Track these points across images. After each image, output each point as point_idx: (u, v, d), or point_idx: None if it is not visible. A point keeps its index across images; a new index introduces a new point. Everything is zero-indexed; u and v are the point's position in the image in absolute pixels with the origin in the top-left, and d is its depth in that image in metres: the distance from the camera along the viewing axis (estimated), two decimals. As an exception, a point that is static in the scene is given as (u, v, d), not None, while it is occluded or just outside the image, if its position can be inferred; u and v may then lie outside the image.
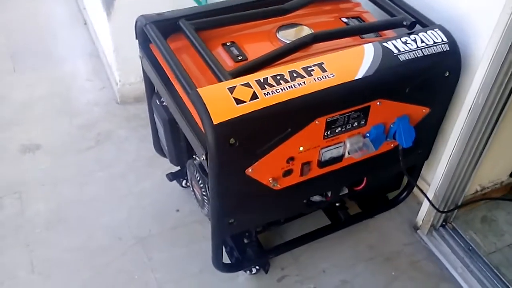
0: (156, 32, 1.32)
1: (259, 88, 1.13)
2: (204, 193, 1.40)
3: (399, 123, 1.35)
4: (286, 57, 1.26)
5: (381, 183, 1.64)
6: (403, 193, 1.72)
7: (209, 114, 1.08)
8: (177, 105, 1.29)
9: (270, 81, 1.15)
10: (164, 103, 1.51)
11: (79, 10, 2.80)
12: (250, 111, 1.10)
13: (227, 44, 1.35)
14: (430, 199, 1.61)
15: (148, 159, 1.98)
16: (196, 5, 1.61)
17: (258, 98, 1.12)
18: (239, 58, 1.30)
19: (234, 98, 1.11)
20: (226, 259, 1.55)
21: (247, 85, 1.14)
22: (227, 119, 1.09)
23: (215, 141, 1.09)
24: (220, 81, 1.18)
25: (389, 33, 1.45)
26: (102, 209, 1.79)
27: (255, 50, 1.34)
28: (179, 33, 1.37)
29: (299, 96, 1.14)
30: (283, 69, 1.19)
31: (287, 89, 1.14)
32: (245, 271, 1.59)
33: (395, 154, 1.42)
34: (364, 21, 1.49)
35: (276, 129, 1.17)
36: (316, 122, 1.21)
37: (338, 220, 1.65)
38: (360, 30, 1.38)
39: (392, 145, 1.42)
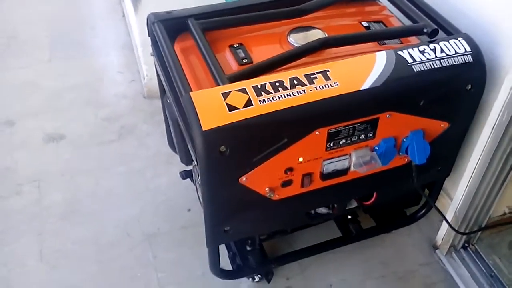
0: (162, 31, 1.29)
1: (255, 95, 1.08)
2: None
3: (412, 138, 1.26)
4: (292, 62, 1.20)
5: (396, 198, 1.54)
6: (421, 210, 1.61)
7: (198, 119, 1.04)
8: (177, 106, 1.26)
9: (268, 87, 1.09)
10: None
11: (118, 2, 2.84)
12: (242, 119, 1.05)
13: (234, 46, 1.30)
14: (451, 218, 1.50)
15: (167, 155, 1.97)
16: (211, 3, 1.56)
17: (252, 105, 1.06)
18: (244, 61, 1.25)
19: (227, 104, 1.06)
20: (228, 265, 1.52)
21: (243, 91, 1.09)
22: (217, 125, 1.04)
23: (204, 148, 1.05)
24: (218, 85, 1.13)
25: (413, 39, 1.35)
26: (116, 204, 1.80)
27: (262, 53, 1.28)
28: (188, 32, 1.34)
29: (296, 106, 1.08)
30: (284, 75, 1.13)
31: (285, 97, 1.08)
32: (248, 278, 1.55)
33: (409, 170, 1.33)
34: (386, 27, 1.40)
35: (271, 139, 1.11)
36: (317, 133, 1.14)
37: (349, 233, 1.57)
38: (376, 36, 1.30)
39: (406, 160, 1.33)
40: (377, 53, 1.19)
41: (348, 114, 1.15)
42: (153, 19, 1.33)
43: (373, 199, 1.40)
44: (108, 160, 1.96)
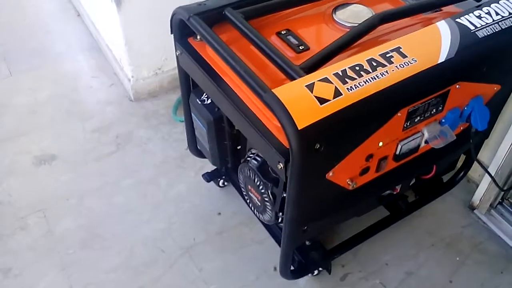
0: (203, 25, 1.16)
1: (340, 83, 1.00)
2: (266, 199, 1.27)
3: (473, 105, 1.24)
4: (355, 42, 1.13)
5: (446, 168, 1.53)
6: (459, 174, 1.62)
7: (292, 118, 0.94)
8: (236, 107, 1.14)
9: (350, 73, 1.02)
10: (206, 102, 1.37)
11: (68, 0, 2.58)
12: (335, 111, 0.97)
13: (282, 32, 1.20)
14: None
15: (176, 159, 1.84)
16: None
17: (342, 94, 0.98)
18: (301, 48, 1.16)
19: (315, 97, 0.97)
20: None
21: (326, 80, 1.00)
22: (312, 122, 0.95)
23: (300, 148, 0.96)
24: (292, 77, 1.04)
25: (449, 9, 1.31)
26: (137, 221, 1.65)
27: (314, 36, 1.21)
28: (222, 23, 1.22)
29: (385, 88, 1.01)
30: (359, 58, 1.05)
31: (370, 80, 1.01)
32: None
33: (463, 136, 1.32)
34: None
35: (362, 127, 1.04)
36: (399, 114, 1.09)
37: (398, 210, 1.55)
38: (428, 6, 1.25)
39: (461, 128, 1.32)
40: (437, 23, 1.15)
41: (428, 89, 1.10)
42: (186, 14, 1.19)
43: (433, 172, 1.38)
44: (113, 175, 1.79)
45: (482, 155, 1.63)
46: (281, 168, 1.04)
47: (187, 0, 1.73)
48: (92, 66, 2.23)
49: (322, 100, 0.97)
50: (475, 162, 1.60)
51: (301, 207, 1.12)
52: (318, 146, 0.98)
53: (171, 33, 1.29)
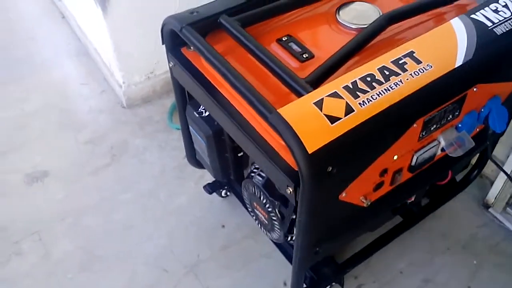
0: (197, 36, 1.06)
1: (351, 97, 0.91)
2: (274, 218, 1.19)
3: (491, 106, 1.15)
4: (364, 47, 1.04)
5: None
6: (473, 172, 1.54)
7: (301, 141, 0.85)
8: (237, 123, 1.05)
9: (361, 85, 0.93)
10: (203, 115, 1.27)
11: (51, 1, 2.45)
12: (348, 129, 0.88)
13: (283, 39, 1.10)
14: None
15: (175, 169, 1.75)
16: None
17: (354, 111, 0.89)
18: (304, 56, 1.06)
19: (325, 115, 0.88)
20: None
21: (336, 95, 0.91)
22: (323, 144, 0.86)
23: (312, 173, 0.87)
24: (297, 92, 0.95)
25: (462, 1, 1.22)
26: (138, 238, 1.57)
27: (318, 42, 1.11)
28: (217, 32, 1.13)
29: (400, 100, 0.92)
30: (370, 66, 0.96)
31: (384, 92, 0.92)
32: (319, 288, 1.41)
33: (480, 138, 1.24)
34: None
35: (376, 143, 0.96)
36: (415, 125, 1.00)
37: (412, 215, 1.47)
38: (439, 2, 1.15)
39: (478, 130, 1.23)
40: (452, 21, 1.05)
41: (446, 96, 1.01)
42: (178, 25, 1.09)
43: (449, 177, 1.30)
44: (109, 189, 1.70)
45: (496, 151, 1.54)
46: (290, 192, 0.96)
47: (175, 2, 1.63)
48: (81, 73, 2.12)
49: (333, 119, 0.88)
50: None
51: (313, 231, 1.04)
52: (331, 169, 0.89)
53: (163, 44, 1.20)
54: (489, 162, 1.53)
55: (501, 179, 1.53)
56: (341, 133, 0.87)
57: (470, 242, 1.55)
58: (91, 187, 1.70)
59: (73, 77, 2.11)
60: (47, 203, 1.66)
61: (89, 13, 1.81)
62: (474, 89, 1.07)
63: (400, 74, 0.95)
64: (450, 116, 1.09)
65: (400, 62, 0.97)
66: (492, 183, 1.59)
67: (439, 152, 1.15)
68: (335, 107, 0.89)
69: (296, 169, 0.89)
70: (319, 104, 0.89)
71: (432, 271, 1.48)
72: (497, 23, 1.05)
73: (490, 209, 1.60)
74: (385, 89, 0.93)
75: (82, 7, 1.92)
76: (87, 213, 1.63)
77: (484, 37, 1.03)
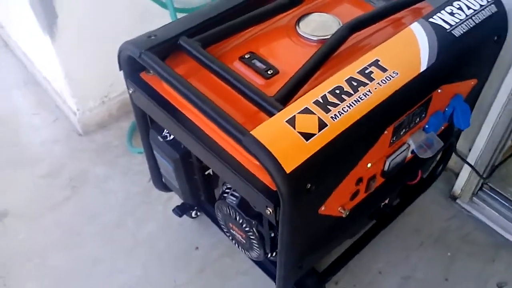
0: (157, 61, 1.02)
1: (323, 112, 0.90)
2: (252, 237, 1.17)
3: (454, 104, 1.18)
4: (328, 59, 1.03)
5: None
6: (438, 167, 1.57)
7: (278, 162, 0.84)
8: (207, 147, 1.02)
9: (331, 98, 0.92)
10: (168, 139, 1.24)
11: (-10, 29, 2.33)
12: (323, 145, 0.87)
13: (246, 56, 1.08)
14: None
15: (140, 194, 1.69)
16: (178, 16, 1.28)
17: (327, 125, 0.89)
18: (269, 72, 1.05)
19: (299, 132, 0.87)
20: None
21: (307, 111, 0.90)
22: (300, 162, 0.85)
23: (291, 192, 0.86)
24: (267, 111, 0.93)
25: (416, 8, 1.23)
26: (110, 272, 1.50)
27: (281, 56, 1.10)
28: (177, 53, 1.09)
29: (370, 110, 0.92)
30: (337, 79, 0.96)
31: (354, 104, 0.92)
32: (302, 300, 1.40)
33: (445, 135, 1.26)
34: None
35: (351, 154, 0.96)
36: (386, 132, 1.01)
37: (384, 216, 1.48)
38: (397, 7, 1.16)
39: (442, 128, 1.25)
40: (411, 26, 1.07)
41: (413, 101, 1.03)
42: (136, 51, 1.04)
43: (419, 177, 1.32)
44: (73, 224, 1.62)
45: (459, 144, 1.59)
46: (270, 213, 0.94)
47: (123, 25, 1.58)
48: (31, 102, 2.02)
49: (307, 136, 0.87)
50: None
51: (296, 248, 1.02)
52: (309, 185, 0.88)
53: (120, 70, 1.15)
54: (453, 155, 1.58)
55: (465, 170, 1.56)
56: (317, 149, 0.87)
57: (442, 235, 1.58)
58: (54, 223, 1.62)
59: (22, 108, 2.01)
60: (9, 244, 1.57)
61: (36, 40, 1.72)
62: (439, 91, 1.09)
63: (368, 83, 0.95)
64: (418, 119, 1.10)
65: (367, 71, 0.97)
66: (456, 175, 1.63)
67: (409, 154, 1.16)
68: (308, 124, 0.88)
69: (274, 189, 0.88)
70: (292, 121, 0.88)
71: (409, 267, 1.50)
72: (454, 25, 1.07)
73: (457, 201, 1.64)
74: (355, 100, 0.93)
75: (28, 35, 1.83)
76: (52, 251, 1.55)
77: (444, 40, 1.04)
